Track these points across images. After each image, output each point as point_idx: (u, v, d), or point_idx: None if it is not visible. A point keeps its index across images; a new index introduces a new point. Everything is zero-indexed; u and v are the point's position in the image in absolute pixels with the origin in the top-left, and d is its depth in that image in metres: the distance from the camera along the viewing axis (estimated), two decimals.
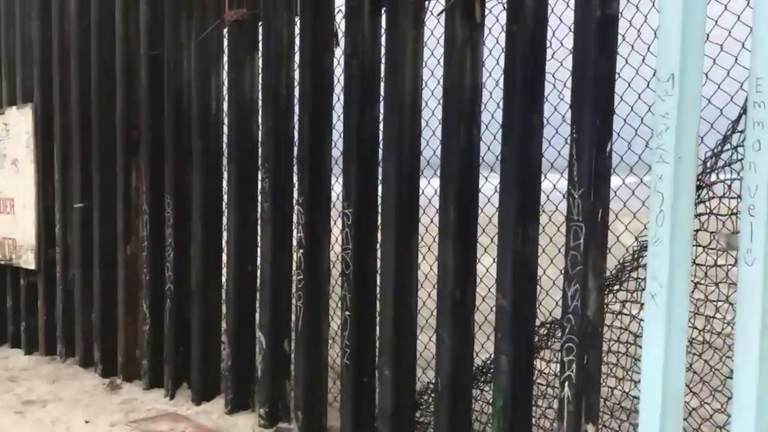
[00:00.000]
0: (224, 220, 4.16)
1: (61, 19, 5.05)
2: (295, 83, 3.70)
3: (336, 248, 3.63)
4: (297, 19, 3.67)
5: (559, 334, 2.66)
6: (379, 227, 3.35)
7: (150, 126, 4.42)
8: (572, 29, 2.58)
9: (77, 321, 5.03)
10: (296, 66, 3.69)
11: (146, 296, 4.49)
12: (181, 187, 4.26)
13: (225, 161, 4.10)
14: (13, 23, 5.45)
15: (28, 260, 5.39)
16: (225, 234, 4.12)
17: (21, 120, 5.37)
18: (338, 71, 3.55)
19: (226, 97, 4.03)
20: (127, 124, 4.58)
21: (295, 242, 3.70)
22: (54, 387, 4.68)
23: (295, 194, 3.66)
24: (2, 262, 5.66)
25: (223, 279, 4.17)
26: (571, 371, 2.53)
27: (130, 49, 4.51)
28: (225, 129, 4.09)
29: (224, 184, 4.14)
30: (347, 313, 3.39)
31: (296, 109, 3.70)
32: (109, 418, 4.05)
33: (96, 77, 4.74)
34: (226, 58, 4.04)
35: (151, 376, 4.46)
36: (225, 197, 4.12)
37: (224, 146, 4.13)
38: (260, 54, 3.87)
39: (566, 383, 2.55)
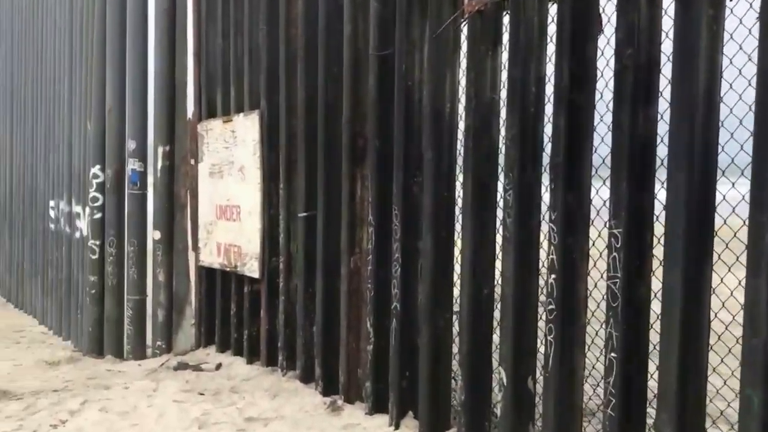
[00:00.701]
0: (456, 235, 3.75)
1: (288, 24, 4.94)
2: (547, 79, 3.19)
3: (593, 274, 3.07)
4: (550, 4, 3.15)
5: None
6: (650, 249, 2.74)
7: (377, 132, 4.12)
8: None
9: (298, 333, 4.88)
10: (548, 59, 3.17)
11: (370, 313, 4.20)
12: (409, 199, 3.91)
13: (459, 170, 3.68)
14: (241, 31, 5.46)
15: (252, 268, 5.36)
16: (457, 251, 3.71)
17: (248, 127, 5.35)
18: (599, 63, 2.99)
19: (463, 99, 3.61)
20: (353, 131, 4.33)
21: (542, 265, 3.18)
22: (275, 403, 4.54)
23: (544, 209, 3.14)
24: (227, 269, 5.70)
25: (455, 301, 3.75)
26: None
27: (358, 51, 4.25)
28: (460, 134, 3.67)
29: (457, 195, 3.72)
30: (612, 354, 2.81)
31: (547, 109, 3.19)
32: None
33: (322, 82, 4.54)
34: (463, 55, 3.63)
35: (374, 401, 4.15)
36: (458, 211, 3.70)
37: (458, 154, 3.72)
38: (504, 47, 3.40)
39: None
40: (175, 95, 6.26)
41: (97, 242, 6.70)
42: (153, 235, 6.34)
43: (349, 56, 4.28)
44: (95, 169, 6.71)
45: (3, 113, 10.52)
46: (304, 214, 4.80)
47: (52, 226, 8.25)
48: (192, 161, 6.24)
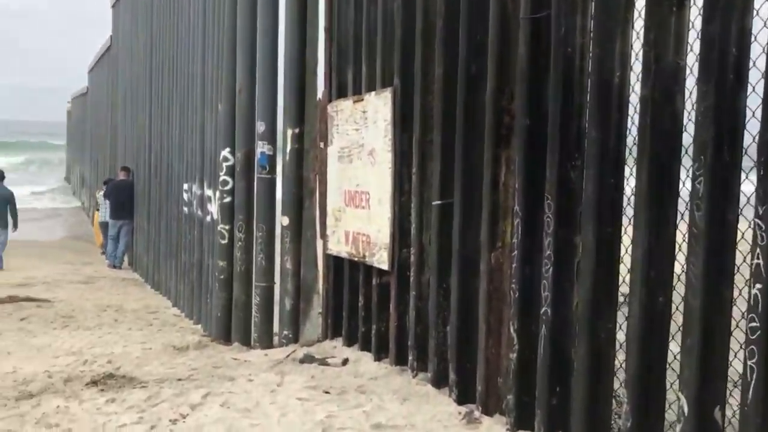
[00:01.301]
0: (623, 231, 3.16)
1: None
2: (753, 38, 2.54)
3: None
4: None
5: None
6: None
7: (527, 109, 3.57)
8: None
9: (431, 333, 4.44)
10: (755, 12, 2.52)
11: (514, 317, 3.68)
12: (566, 186, 3.35)
13: (630, 153, 3.08)
14: (375, 1, 5.05)
15: (381, 259, 4.97)
16: (625, 250, 3.12)
17: (379, 106, 4.95)
18: None
19: (636, 67, 3.00)
20: (498, 108, 3.80)
21: (740, 269, 2.55)
22: (404, 408, 4.12)
23: (753, 201, 2.50)
24: (355, 259, 5.35)
25: (620, 309, 3.17)
26: None
27: (506, 15, 3.71)
28: (632, 110, 3.07)
29: (627, 183, 3.13)
30: None
31: (751, 75, 2.54)
32: None
33: (463, 54, 4.04)
34: (637, 13, 3.01)
35: (517, 416, 3.63)
36: (628, 201, 3.11)
37: (628, 133, 3.12)
38: (694, 2, 2.77)
39: None
40: (305, 75, 5.97)
41: (227, 227, 6.56)
42: (281, 220, 6.10)
43: (495, 21, 3.75)
44: (225, 152, 6.57)
45: (143, 98, 10.78)
46: (439, 202, 4.33)
47: (185, 209, 8.28)
48: (321, 144, 5.93)
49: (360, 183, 5.27)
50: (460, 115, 4.09)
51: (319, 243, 6.01)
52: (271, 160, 6.16)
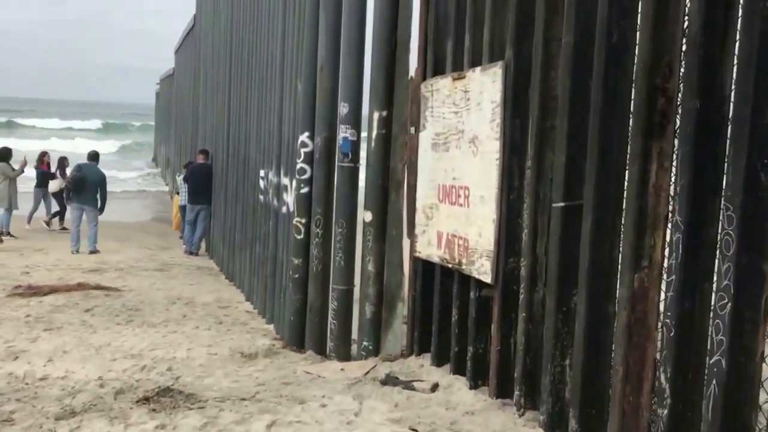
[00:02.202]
0: None
1: None
2: None
3: None
4: None
5: None
6: None
7: (694, 87, 2.67)
8: None
9: (545, 365, 3.59)
10: None
11: (666, 362, 2.80)
12: (753, 194, 2.44)
13: None
14: None
15: (481, 269, 4.14)
16: None
17: (485, 85, 4.10)
18: None
19: None
20: (651, 86, 2.91)
21: None
22: None
23: None
24: (449, 265, 4.54)
25: None
26: None
27: None
28: None
29: None
30: None
31: None
32: None
33: (603, 16, 3.15)
34: None
35: None
36: None
37: None
38: None
39: None
40: (395, 49, 5.17)
41: (303, 220, 5.87)
42: (363, 216, 5.35)
43: None
44: (303, 137, 5.86)
45: (223, 79, 10.24)
46: (563, 204, 3.46)
47: (261, 197, 7.66)
48: (412, 129, 5.13)
49: (458, 176, 4.45)
50: (597, 96, 3.20)
51: (406, 243, 5.24)
52: (354, 146, 5.41)
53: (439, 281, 4.77)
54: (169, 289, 8.72)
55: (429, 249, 4.83)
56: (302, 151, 5.85)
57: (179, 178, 13.76)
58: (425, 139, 4.90)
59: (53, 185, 14.83)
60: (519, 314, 3.84)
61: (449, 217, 4.57)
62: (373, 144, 5.25)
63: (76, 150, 29.93)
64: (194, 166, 12.10)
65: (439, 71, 4.78)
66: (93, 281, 8.84)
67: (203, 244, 12.40)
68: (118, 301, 7.67)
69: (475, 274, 4.22)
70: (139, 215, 18.81)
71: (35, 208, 14.93)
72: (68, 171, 14.68)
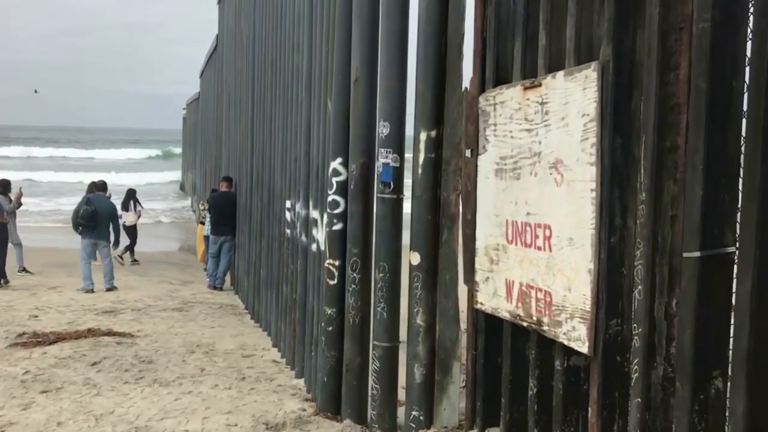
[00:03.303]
0: None
1: None
2: None
3: None
4: None
5: None
6: None
7: None
8: None
9: None
10: None
11: None
12: None
13: None
14: None
15: (572, 333, 3.17)
16: None
17: (572, 94, 3.16)
18: None
19: None
20: None
21: None
22: None
23: None
24: (524, 323, 3.57)
25: None
26: None
27: None
28: None
29: None
30: None
31: None
32: None
33: None
34: None
35: None
36: None
37: None
38: None
39: None
40: (446, 55, 4.26)
41: (336, 263, 4.94)
42: (410, 258, 4.42)
43: None
44: (336, 164, 4.96)
45: (246, 99, 9.44)
46: (698, 253, 2.49)
47: (288, 231, 6.77)
48: (468, 152, 4.19)
49: (534, 211, 3.50)
50: (755, 102, 2.24)
51: (463, 291, 4.29)
52: (397, 174, 4.49)
53: (509, 341, 3.80)
54: (188, 333, 7.86)
55: (495, 301, 3.87)
56: (334, 180, 4.95)
57: (203, 207, 12.99)
58: (486, 163, 3.96)
59: (130, 218, 14.48)
60: (631, 399, 2.86)
61: (523, 263, 3.61)
62: (420, 171, 4.33)
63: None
64: (217, 195, 11.30)
65: (503, 79, 3.85)
66: (105, 325, 8.02)
67: (228, 277, 11.57)
68: (130, 351, 6.82)
69: (564, 339, 3.25)
70: (163, 244, 18.10)
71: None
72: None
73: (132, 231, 14.51)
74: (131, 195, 15.18)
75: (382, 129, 4.46)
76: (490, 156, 3.93)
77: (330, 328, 4.98)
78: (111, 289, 10.78)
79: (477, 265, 4.08)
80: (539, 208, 3.46)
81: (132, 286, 11.25)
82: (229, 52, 11.54)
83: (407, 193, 4.51)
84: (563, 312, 3.24)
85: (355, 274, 4.70)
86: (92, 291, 10.61)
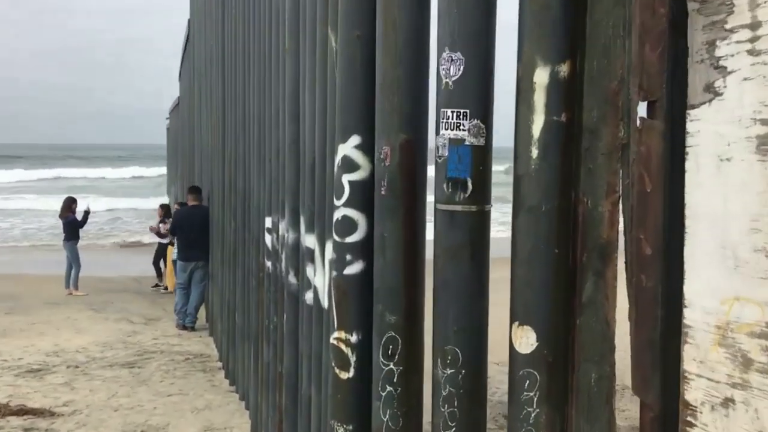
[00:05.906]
0: None
1: None
2: None
3: None
4: None
5: None
6: None
7: None
8: None
9: None
10: None
11: None
12: None
13: None
14: None
15: None
16: None
17: None
18: None
19: None
20: None
21: None
22: None
23: None
24: None
25: None
26: None
27: None
28: None
29: None
30: None
31: None
32: None
33: None
34: None
35: None
36: None
37: None
38: None
39: None
40: None
41: (353, 338, 2.60)
42: (511, 338, 2.11)
43: None
44: (348, 148, 2.64)
45: (216, 84, 7.16)
46: None
47: (268, 263, 4.47)
48: (642, 107, 1.89)
49: None
50: None
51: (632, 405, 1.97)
52: (482, 162, 2.19)
53: None
54: (133, 407, 5.56)
55: None
56: (346, 180, 2.63)
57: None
58: (719, 128, 1.64)
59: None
60: None
61: None
62: (533, 152, 2.02)
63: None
64: (183, 211, 8.99)
65: None
66: (21, 395, 5.71)
67: (203, 310, 9.27)
68: None
69: None
70: (132, 267, 15.74)
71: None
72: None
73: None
74: (168, 212, 13.11)
75: (448, 66, 2.14)
76: (732, 110, 1.62)
77: None
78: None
79: (686, 365, 1.77)
80: None
81: (81, 328, 8.91)
82: (200, 34, 9.28)
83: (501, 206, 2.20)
84: None
85: (392, 366, 2.37)
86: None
